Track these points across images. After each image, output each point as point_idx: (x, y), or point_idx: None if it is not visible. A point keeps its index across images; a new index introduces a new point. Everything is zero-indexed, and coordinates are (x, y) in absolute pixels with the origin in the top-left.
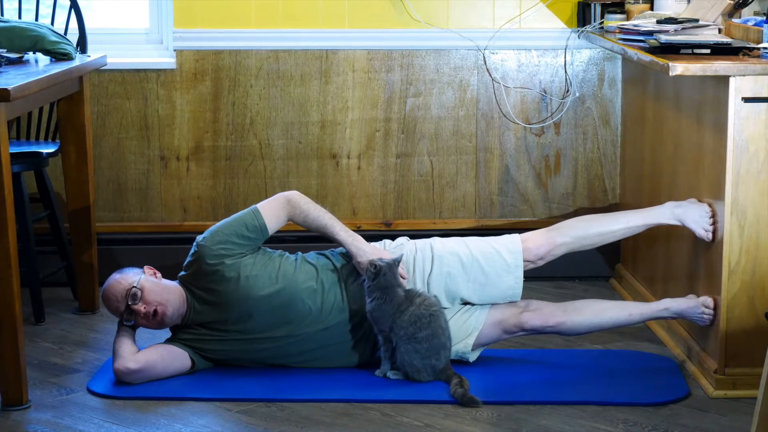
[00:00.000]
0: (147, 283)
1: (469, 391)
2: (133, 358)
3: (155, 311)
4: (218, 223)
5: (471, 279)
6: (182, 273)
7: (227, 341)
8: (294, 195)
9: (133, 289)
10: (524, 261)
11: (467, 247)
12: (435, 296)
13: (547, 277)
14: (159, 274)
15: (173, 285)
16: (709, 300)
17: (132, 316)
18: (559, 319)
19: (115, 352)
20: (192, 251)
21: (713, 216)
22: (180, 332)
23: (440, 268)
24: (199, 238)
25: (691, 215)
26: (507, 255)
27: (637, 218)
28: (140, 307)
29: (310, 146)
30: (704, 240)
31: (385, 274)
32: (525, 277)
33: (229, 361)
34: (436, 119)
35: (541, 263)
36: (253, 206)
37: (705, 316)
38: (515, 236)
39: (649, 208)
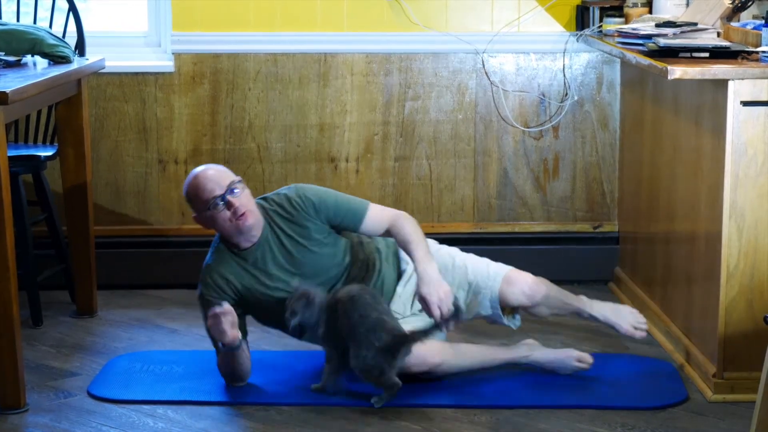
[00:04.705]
0: (246, 188)
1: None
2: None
3: (244, 213)
4: (325, 189)
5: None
6: (270, 208)
7: (259, 283)
8: (407, 215)
9: (239, 183)
10: (517, 294)
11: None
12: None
13: None
14: None
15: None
16: (585, 355)
17: (218, 206)
18: (437, 360)
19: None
20: (294, 192)
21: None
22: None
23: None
24: (303, 186)
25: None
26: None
27: (587, 307)
28: (236, 201)
29: (308, 149)
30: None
31: (307, 301)
32: None
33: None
34: (434, 122)
35: (526, 301)
36: (367, 201)
37: (582, 366)
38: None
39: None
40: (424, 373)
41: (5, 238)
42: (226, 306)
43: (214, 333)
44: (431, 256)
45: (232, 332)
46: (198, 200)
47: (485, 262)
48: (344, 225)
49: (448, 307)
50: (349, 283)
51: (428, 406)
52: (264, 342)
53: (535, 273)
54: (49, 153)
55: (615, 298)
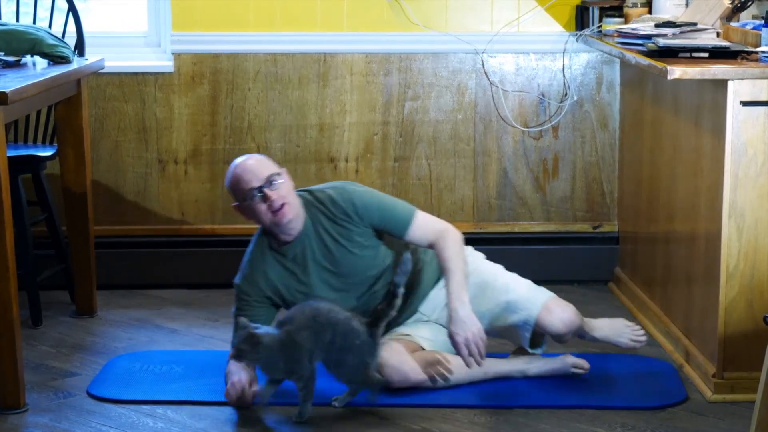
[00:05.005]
0: (287, 180)
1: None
2: None
3: (282, 205)
4: (372, 194)
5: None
6: (313, 203)
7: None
8: (454, 232)
9: (278, 175)
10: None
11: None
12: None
13: (546, 281)
14: None
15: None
16: (581, 361)
17: (255, 198)
18: (420, 377)
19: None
20: (340, 195)
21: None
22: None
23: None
24: (350, 189)
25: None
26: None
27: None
28: (273, 194)
29: (308, 150)
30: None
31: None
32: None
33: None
34: (434, 123)
35: (563, 330)
36: (414, 208)
37: (579, 371)
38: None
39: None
40: (409, 388)
41: (5, 238)
42: (249, 390)
43: (226, 394)
44: (465, 290)
45: (240, 402)
46: (237, 191)
47: (527, 284)
48: (388, 232)
49: (477, 346)
50: (388, 284)
51: (428, 406)
52: None
53: (535, 273)
54: (49, 153)
55: (615, 298)
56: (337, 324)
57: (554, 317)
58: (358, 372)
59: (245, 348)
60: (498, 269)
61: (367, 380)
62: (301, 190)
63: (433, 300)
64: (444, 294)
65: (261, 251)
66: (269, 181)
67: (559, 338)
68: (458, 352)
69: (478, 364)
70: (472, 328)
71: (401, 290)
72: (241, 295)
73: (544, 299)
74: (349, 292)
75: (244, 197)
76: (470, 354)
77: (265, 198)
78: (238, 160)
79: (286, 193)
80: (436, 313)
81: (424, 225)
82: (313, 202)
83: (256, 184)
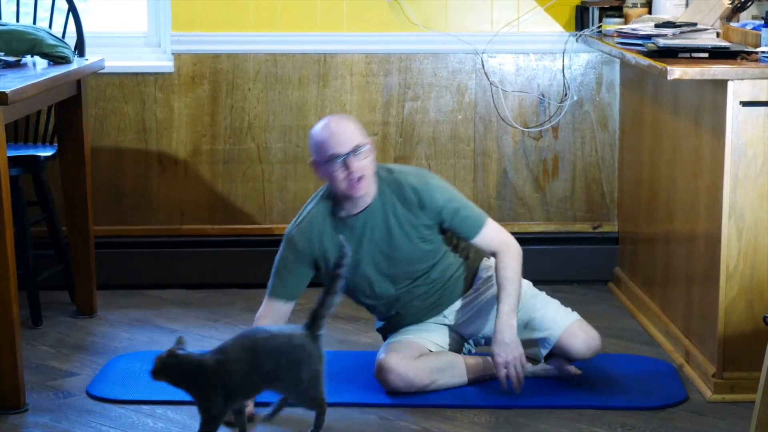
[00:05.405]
0: (372, 151)
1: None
2: None
3: (360, 178)
4: (451, 192)
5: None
6: (390, 182)
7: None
8: (517, 249)
9: (365, 147)
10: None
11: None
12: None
13: (546, 281)
14: None
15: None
16: (571, 368)
17: (336, 164)
18: (425, 381)
19: None
20: (424, 187)
21: None
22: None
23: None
24: (432, 183)
25: None
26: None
27: None
28: (355, 166)
29: (308, 150)
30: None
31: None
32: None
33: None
34: (434, 123)
35: (587, 354)
36: (486, 215)
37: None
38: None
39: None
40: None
41: (5, 238)
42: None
43: None
44: (516, 314)
45: None
46: (319, 151)
47: (554, 304)
48: (456, 233)
49: (516, 370)
50: (429, 283)
51: (428, 406)
52: None
53: (535, 273)
54: (49, 153)
55: (615, 298)
56: (279, 349)
57: (579, 341)
58: (312, 385)
59: (157, 366)
60: (527, 285)
61: (320, 391)
62: (381, 166)
63: (460, 308)
64: (471, 306)
65: (322, 214)
66: (354, 151)
67: (578, 360)
68: (497, 373)
69: (515, 387)
70: (514, 352)
71: (343, 270)
72: (290, 245)
73: (570, 322)
74: (392, 280)
75: (326, 160)
76: (508, 376)
77: (347, 167)
78: (329, 119)
79: (367, 165)
80: (455, 318)
81: (492, 234)
82: (391, 183)
83: (341, 150)
